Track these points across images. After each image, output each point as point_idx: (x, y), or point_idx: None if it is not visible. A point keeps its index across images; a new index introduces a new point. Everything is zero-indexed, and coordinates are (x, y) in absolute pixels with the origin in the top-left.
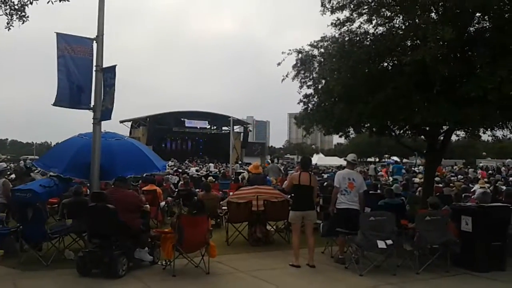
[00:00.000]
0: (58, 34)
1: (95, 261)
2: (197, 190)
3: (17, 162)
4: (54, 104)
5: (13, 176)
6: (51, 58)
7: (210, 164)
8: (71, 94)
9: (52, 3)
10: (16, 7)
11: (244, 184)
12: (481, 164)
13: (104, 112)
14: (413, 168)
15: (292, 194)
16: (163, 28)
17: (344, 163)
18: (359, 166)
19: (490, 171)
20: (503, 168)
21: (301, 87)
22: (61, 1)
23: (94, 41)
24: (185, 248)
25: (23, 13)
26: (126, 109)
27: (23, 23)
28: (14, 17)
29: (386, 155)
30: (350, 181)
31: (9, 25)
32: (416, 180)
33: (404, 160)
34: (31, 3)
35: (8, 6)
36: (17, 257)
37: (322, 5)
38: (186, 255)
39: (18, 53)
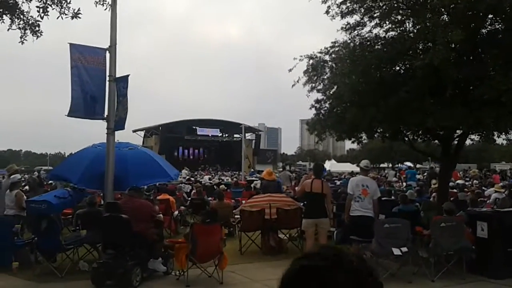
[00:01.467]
0: (71, 45)
1: (109, 272)
2: (209, 198)
3: (31, 173)
4: (69, 115)
5: (27, 187)
6: (65, 68)
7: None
8: (85, 104)
9: (62, 18)
10: (30, 22)
11: (257, 190)
12: (497, 168)
13: (117, 121)
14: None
15: (305, 202)
16: (171, 36)
17: (357, 169)
18: (372, 172)
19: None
20: None
21: (310, 91)
22: (73, 18)
23: (107, 51)
24: (198, 258)
25: (37, 29)
26: (137, 118)
27: (37, 38)
28: (28, 31)
29: (398, 163)
30: (363, 187)
31: (22, 39)
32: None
33: (418, 166)
34: (41, 17)
35: (22, 21)
36: (32, 269)
37: (326, 12)
38: (200, 265)
39: (31, 63)
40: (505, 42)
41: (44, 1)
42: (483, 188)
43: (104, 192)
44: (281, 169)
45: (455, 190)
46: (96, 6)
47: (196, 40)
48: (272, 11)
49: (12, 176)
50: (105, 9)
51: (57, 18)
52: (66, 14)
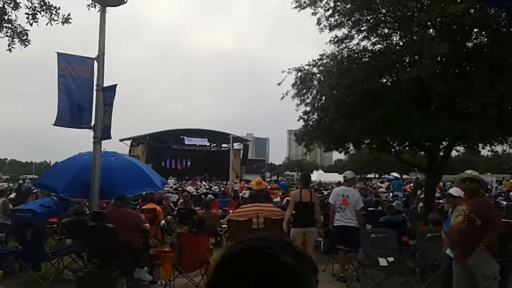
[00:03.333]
0: (59, 54)
1: (94, 281)
2: (196, 208)
3: (16, 181)
4: (55, 124)
5: (12, 195)
6: (51, 77)
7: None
8: (71, 113)
9: (52, 24)
10: (18, 30)
11: (245, 200)
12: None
13: (104, 131)
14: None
15: (293, 211)
16: (159, 45)
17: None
18: (358, 183)
19: (488, 186)
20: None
21: (299, 104)
22: (64, 24)
23: (95, 61)
24: (185, 267)
25: (25, 37)
26: (124, 126)
27: (25, 46)
28: (16, 40)
29: (385, 173)
30: (344, 197)
31: (10, 47)
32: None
33: (404, 176)
34: (31, 24)
35: (10, 29)
36: (16, 278)
37: (318, 24)
38: (186, 275)
39: (17, 72)
40: (490, 56)
41: (33, 8)
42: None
43: (90, 201)
44: (269, 179)
45: (441, 201)
46: (89, 9)
47: (185, 50)
48: (263, 22)
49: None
50: (98, 11)
51: (46, 24)
52: (55, 20)
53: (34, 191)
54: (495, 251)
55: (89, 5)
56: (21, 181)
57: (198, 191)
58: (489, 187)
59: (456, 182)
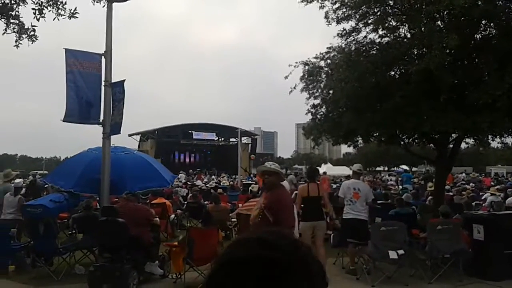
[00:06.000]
0: (66, 50)
1: (106, 276)
2: (206, 202)
3: (26, 177)
4: (64, 120)
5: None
6: (60, 73)
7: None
8: (80, 109)
9: (59, 19)
10: (25, 26)
11: (254, 194)
12: (492, 172)
13: (113, 126)
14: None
15: (302, 205)
16: (166, 38)
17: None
18: (367, 176)
19: (499, 178)
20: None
21: (308, 98)
22: (71, 18)
23: (103, 56)
24: (195, 261)
25: (33, 33)
26: (133, 122)
27: (32, 42)
28: (24, 36)
29: (394, 166)
30: (355, 190)
31: (17, 43)
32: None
33: (414, 169)
34: (38, 20)
35: (17, 26)
36: (29, 273)
37: (325, 17)
38: (197, 268)
39: (26, 68)
40: (499, 48)
41: (40, 3)
42: (480, 193)
43: (100, 196)
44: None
45: (451, 193)
46: (94, 4)
47: (192, 44)
48: (271, 15)
49: (17, 181)
50: (103, 6)
51: (54, 19)
52: (62, 15)
53: (45, 186)
54: None
55: (93, 0)
56: (35, 177)
57: (207, 185)
58: (499, 178)
59: (257, 174)
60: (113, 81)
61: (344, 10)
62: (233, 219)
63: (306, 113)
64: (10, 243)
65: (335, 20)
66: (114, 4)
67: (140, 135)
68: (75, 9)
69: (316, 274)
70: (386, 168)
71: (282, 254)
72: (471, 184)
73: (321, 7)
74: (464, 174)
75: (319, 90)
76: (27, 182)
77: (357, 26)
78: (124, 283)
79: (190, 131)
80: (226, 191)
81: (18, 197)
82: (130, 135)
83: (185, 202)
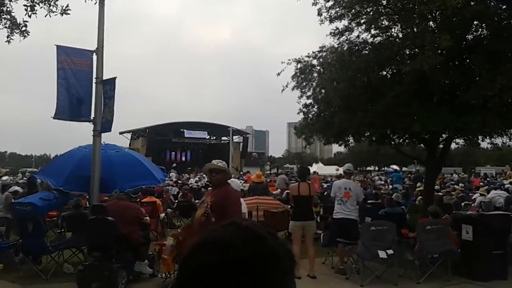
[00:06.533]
0: (58, 47)
1: (95, 275)
2: (196, 201)
3: (15, 174)
4: (54, 117)
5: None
6: (51, 69)
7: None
8: (71, 106)
9: (50, 16)
10: (17, 22)
11: (245, 193)
12: (482, 172)
13: (104, 124)
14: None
15: (292, 204)
16: (160, 37)
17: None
18: (358, 175)
19: (488, 178)
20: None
21: (300, 97)
22: (62, 15)
23: (94, 53)
24: None
25: (24, 28)
26: (124, 119)
27: (24, 38)
28: (15, 31)
29: (384, 166)
30: (346, 190)
31: (9, 38)
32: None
33: (404, 169)
34: (29, 16)
35: (8, 21)
36: (17, 271)
37: (318, 14)
38: None
39: (16, 64)
40: (490, 48)
41: (32, 0)
42: (469, 194)
43: (89, 195)
44: (268, 172)
45: (440, 194)
46: (85, 1)
47: (186, 42)
48: (264, 14)
49: (4, 178)
50: (95, 3)
51: (45, 16)
52: (54, 12)
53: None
54: None
55: None
56: (32, 174)
57: (198, 183)
58: (488, 179)
59: (204, 172)
60: (104, 78)
61: (337, 9)
62: None
63: (298, 113)
64: None
65: (328, 19)
66: (106, 1)
67: (131, 133)
68: (67, 6)
69: (284, 258)
70: (377, 168)
71: (251, 251)
72: (460, 184)
73: (314, 4)
74: (455, 175)
75: (311, 89)
76: (24, 179)
77: (349, 26)
78: (113, 282)
79: (181, 130)
80: None
81: (5, 194)
82: (121, 133)
83: (176, 201)
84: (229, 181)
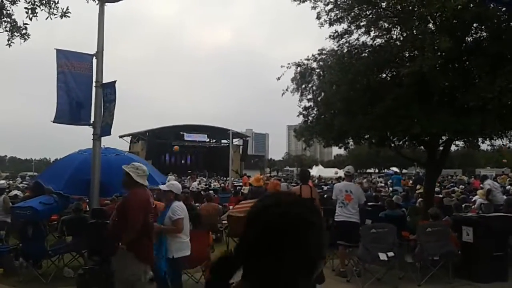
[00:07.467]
0: (58, 51)
1: (95, 278)
2: (196, 204)
3: (14, 178)
4: (54, 121)
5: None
6: (50, 73)
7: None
8: (70, 110)
9: (51, 18)
10: (17, 25)
11: (245, 196)
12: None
13: (104, 127)
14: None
15: None
16: (159, 40)
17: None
18: (358, 178)
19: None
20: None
21: (301, 100)
22: (62, 17)
23: (94, 57)
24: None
25: (25, 31)
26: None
27: (24, 41)
28: (16, 34)
29: (384, 168)
30: (347, 193)
31: (9, 41)
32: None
33: (404, 171)
34: (30, 19)
35: (9, 24)
36: (17, 275)
37: (317, 18)
38: (187, 271)
39: (16, 67)
40: (490, 50)
41: (33, 2)
42: (470, 196)
43: (89, 199)
44: (268, 174)
45: (440, 196)
46: (87, 2)
47: (185, 45)
48: (263, 16)
49: (0, 182)
50: (97, 4)
51: (46, 18)
52: (55, 14)
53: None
54: (141, 250)
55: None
56: (36, 178)
57: (198, 187)
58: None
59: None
60: (104, 81)
61: (337, 12)
62: (224, 221)
63: (298, 115)
64: None
65: (328, 22)
66: (107, 5)
67: (130, 136)
68: (67, 8)
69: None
70: (377, 170)
71: (308, 207)
72: (460, 186)
73: (313, 8)
74: (457, 177)
75: (311, 92)
76: (24, 183)
77: (349, 28)
78: (113, 286)
79: (181, 133)
80: (217, 193)
81: (3, 197)
82: (120, 137)
83: None
84: (170, 183)
